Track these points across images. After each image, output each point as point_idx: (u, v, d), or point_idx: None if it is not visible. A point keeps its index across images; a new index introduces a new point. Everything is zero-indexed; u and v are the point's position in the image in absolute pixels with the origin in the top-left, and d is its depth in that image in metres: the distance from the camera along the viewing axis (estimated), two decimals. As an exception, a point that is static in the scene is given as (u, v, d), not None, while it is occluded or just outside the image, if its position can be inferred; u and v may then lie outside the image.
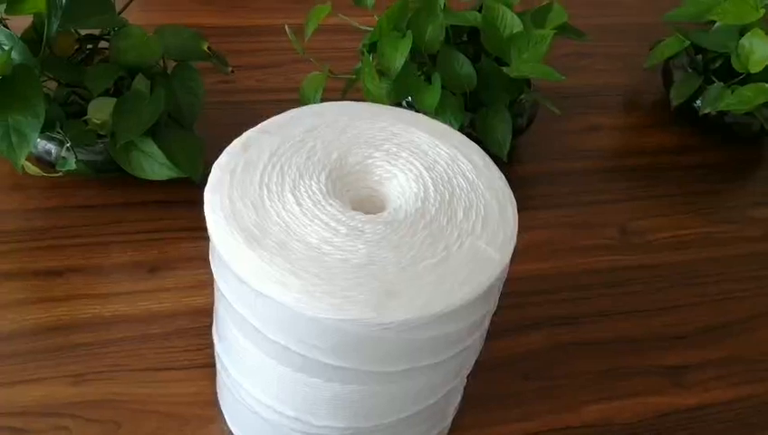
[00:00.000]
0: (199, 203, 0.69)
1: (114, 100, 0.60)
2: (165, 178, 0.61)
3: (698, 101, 0.79)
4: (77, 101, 0.63)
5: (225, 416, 0.51)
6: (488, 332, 0.53)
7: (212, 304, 0.58)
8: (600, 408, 0.56)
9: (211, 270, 0.58)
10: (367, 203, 0.43)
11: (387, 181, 0.43)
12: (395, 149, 0.44)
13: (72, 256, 0.60)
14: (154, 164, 0.60)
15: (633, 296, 0.65)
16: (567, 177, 0.76)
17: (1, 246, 0.60)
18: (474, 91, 0.69)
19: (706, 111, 0.76)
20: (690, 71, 0.81)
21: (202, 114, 0.73)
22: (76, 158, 0.58)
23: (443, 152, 0.44)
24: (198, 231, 0.64)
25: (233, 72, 0.71)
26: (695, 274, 0.68)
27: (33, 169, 0.59)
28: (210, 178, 0.41)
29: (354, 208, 0.42)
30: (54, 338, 0.55)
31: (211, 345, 0.55)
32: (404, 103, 0.71)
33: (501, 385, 0.56)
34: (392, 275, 0.37)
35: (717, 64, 0.79)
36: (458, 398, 0.50)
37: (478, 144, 0.68)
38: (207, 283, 0.60)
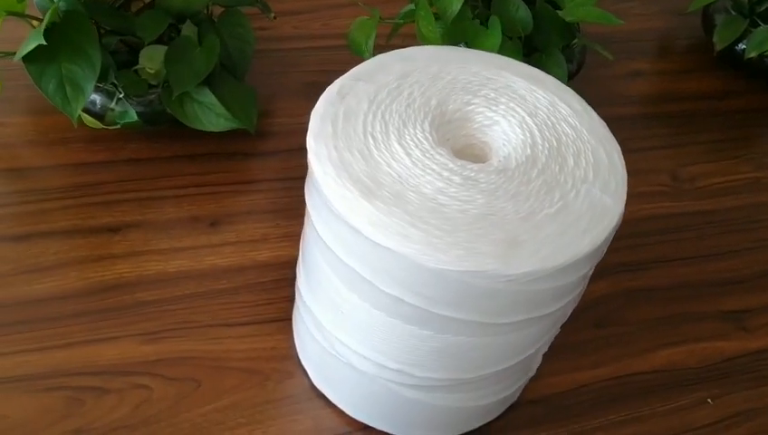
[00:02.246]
0: (250, 155, 0.68)
1: (164, 48, 0.58)
2: (223, 129, 0.59)
3: (741, 45, 0.78)
4: (123, 49, 0.60)
5: (308, 370, 0.50)
6: None
7: (277, 257, 0.57)
8: (668, 353, 0.57)
9: (275, 223, 0.57)
10: (468, 152, 0.42)
11: (488, 129, 0.42)
12: (493, 95, 0.42)
13: (127, 211, 0.58)
14: (211, 115, 0.58)
15: (690, 242, 0.65)
16: (616, 123, 0.73)
17: (52, 203, 0.58)
18: (528, 35, 0.67)
19: (752, 54, 0.76)
20: (734, 13, 0.80)
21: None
22: (132, 109, 0.56)
23: (542, 97, 0.43)
24: (254, 184, 0.63)
25: (275, 17, 0.68)
26: (748, 219, 0.68)
27: (91, 120, 0.56)
28: (311, 128, 0.40)
29: (458, 157, 0.41)
30: (121, 296, 0.53)
31: (283, 299, 0.54)
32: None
33: (574, 334, 0.56)
34: (513, 226, 0.36)
35: (763, 7, 0.78)
36: (547, 347, 0.49)
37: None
38: (270, 236, 0.59)
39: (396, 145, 0.39)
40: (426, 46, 0.46)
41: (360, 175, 0.37)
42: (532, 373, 0.50)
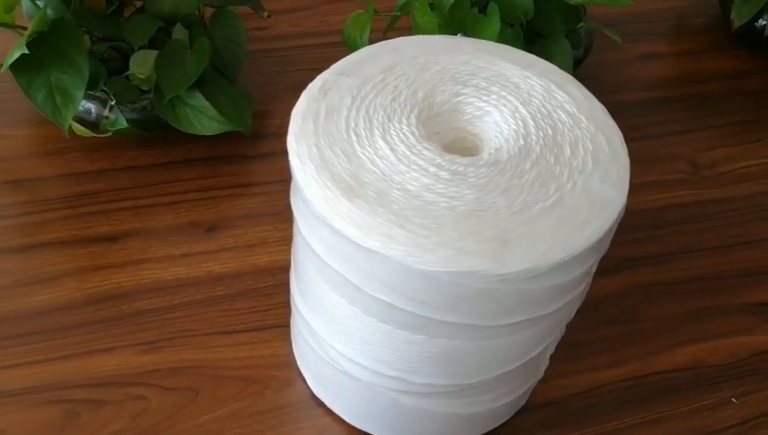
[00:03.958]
0: (248, 157, 0.66)
1: (155, 52, 0.56)
2: (215, 132, 0.57)
3: (761, 21, 0.75)
4: (114, 56, 0.59)
5: (307, 377, 0.48)
6: None
7: (276, 262, 0.56)
8: (691, 350, 0.54)
9: (273, 226, 0.55)
10: (459, 145, 0.40)
11: (479, 120, 0.39)
12: (484, 84, 0.40)
13: (124, 219, 0.57)
14: (203, 118, 0.56)
15: (712, 232, 0.62)
16: (628, 109, 0.72)
17: (51, 214, 0.57)
18: (530, 21, 0.65)
19: (772, 31, 0.72)
20: (752, -11, 0.76)
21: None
22: (122, 116, 0.54)
23: (536, 84, 0.41)
24: (252, 187, 0.61)
25: (269, 16, 0.66)
26: (773, 205, 0.64)
27: (81, 129, 0.55)
28: (291, 127, 0.38)
29: (447, 152, 0.39)
30: (119, 305, 0.52)
31: (281, 305, 0.53)
32: (457, 39, 0.67)
33: (587, 332, 0.54)
34: (506, 222, 0.34)
35: (783, -19, 0.74)
36: (552, 350, 0.47)
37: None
38: (268, 240, 0.57)
39: (380, 141, 0.37)
40: (414, 36, 0.44)
41: (342, 174, 0.35)
42: (539, 375, 0.47)
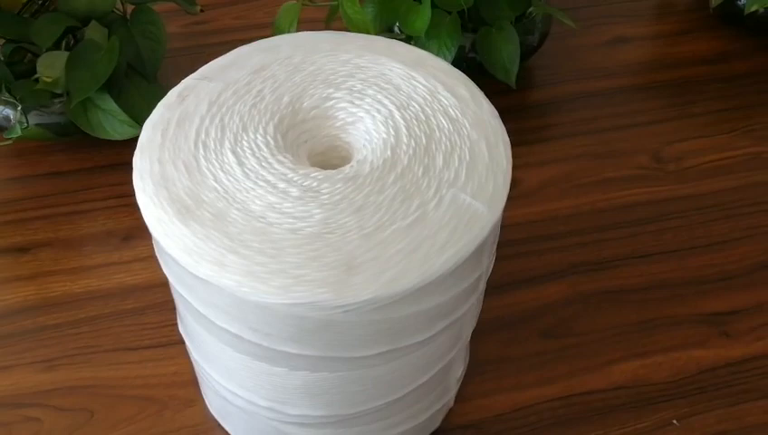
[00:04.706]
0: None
1: (65, 54, 0.54)
2: (128, 136, 0.55)
3: None
4: (31, 58, 0.56)
5: (206, 399, 0.46)
6: (498, 285, 0.46)
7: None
8: (633, 366, 0.49)
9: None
10: (331, 154, 0.36)
11: (351, 127, 0.36)
12: (359, 87, 0.36)
13: (39, 229, 0.55)
14: (114, 122, 0.54)
15: (670, 234, 0.57)
16: (589, 99, 0.67)
17: (-37, 224, 0.55)
18: (473, 8, 0.60)
19: (753, 8, 0.66)
20: (731, -36, 0.70)
21: (173, 63, 0.66)
22: (26, 122, 0.52)
23: (420, 86, 0.37)
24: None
25: (202, 11, 0.63)
26: (742, 202, 0.59)
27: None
28: (140, 139, 0.35)
29: (315, 163, 0.35)
30: (22, 321, 0.50)
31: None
32: (396, 29, 0.63)
33: (515, 345, 0.50)
34: (354, 245, 0.31)
35: (763, -46, 0.68)
36: (461, 367, 0.43)
37: (480, 70, 0.61)
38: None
39: (229, 154, 0.33)
40: (299, 33, 0.40)
41: (181, 192, 0.32)
42: (449, 397, 0.44)
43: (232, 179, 0.32)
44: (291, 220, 0.31)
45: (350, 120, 0.36)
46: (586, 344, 0.50)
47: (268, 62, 0.38)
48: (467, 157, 0.34)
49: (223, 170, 0.33)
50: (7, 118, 0.56)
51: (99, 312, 0.51)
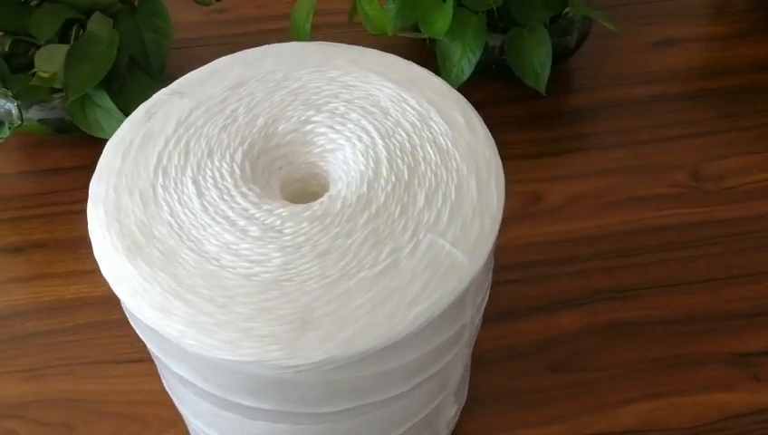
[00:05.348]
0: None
1: (65, 47, 0.51)
2: (126, 136, 0.52)
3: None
4: (34, 51, 0.54)
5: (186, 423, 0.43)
6: (508, 310, 0.42)
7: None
8: (647, 408, 0.45)
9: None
10: (310, 182, 0.33)
11: (330, 155, 0.32)
12: (343, 109, 0.33)
13: (36, 228, 0.54)
14: (112, 121, 0.52)
15: (703, 261, 0.52)
16: (628, 107, 0.62)
17: (-43, 220, 0.54)
18: (503, 7, 0.56)
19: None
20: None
21: (189, 54, 0.63)
22: (21, 120, 0.50)
23: (410, 110, 0.33)
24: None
25: (219, 0, 0.60)
26: (788, 229, 0.54)
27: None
28: (100, 161, 0.32)
29: (291, 190, 0.32)
30: (10, 326, 0.49)
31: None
32: (421, 30, 0.59)
33: (521, 379, 0.46)
34: (312, 296, 0.27)
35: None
36: (453, 408, 0.40)
37: (511, 73, 0.56)
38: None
39: (189, 183, 0.30)
40: (288, 44, 0.37)
41: (133, 226, 0.29)
42: (440, 440, 0.41)
43: (189, 213, 0.29)
44: (246, 264, 0.28)
45: (329, 147, 0.32)
46: (599, 381, 0.46)
47: (248, 76, 0.34)
48: (453, 195, 0.30)
49: (180, 202, 0.30)
50: (9, 112, 0.55)
51: (87, 320, 0.49)
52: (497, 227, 0.30)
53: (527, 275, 0.51)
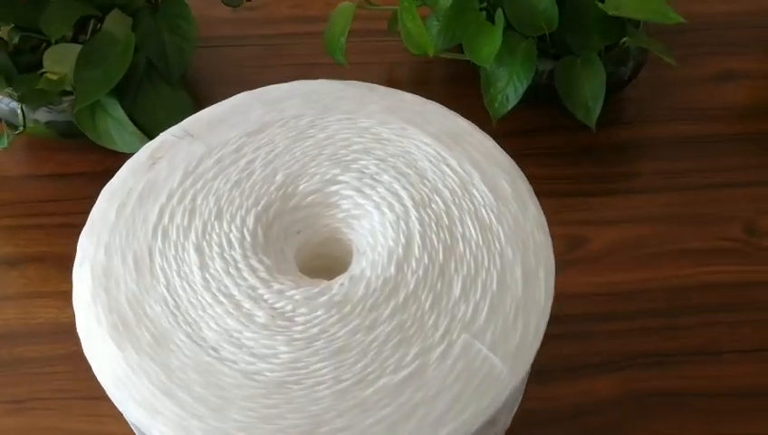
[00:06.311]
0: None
1: (77, 47, 0.47)
2: (137, 150, 0.48)
3: None
4: (45, 48, 0.51)
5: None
6: (540, 371, 0.38)
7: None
8: (689, 495, 0.41)
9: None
10: (331, 248, 0.29)
11: (356, 221, 0.28)
12: (373, 169, 0.29)
13: (34, 239, 0.50)
14: (124, 133, 0.48)
15: (751, 328, 0.47)
16: (679, 147, 0.57)
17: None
18: (557, 32, 0.51)
19: None
20: None
21: (214, 54, 0.59)
22: (24, 124, 0.46)
23: (450, 173, 0.29)
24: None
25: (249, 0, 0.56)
26: None
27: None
28: (93, 209, 0.28)
29: (310, 255, 0.28)
30: (-2, 350, 0.46)
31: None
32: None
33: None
34: (322, 406, 0.23)
35: None
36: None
37: (559, 100, 0.52)
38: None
39: (191, 250, 0.26)
40: (319, 82, 0.32)
41: (122, 298, 0.25)
42: None
43: (188, 288, 0.25)
44: (249, 359, 0.24)
45: (355, 212, 0.28)
46: (633, 460, 0.42)
47: (269, 120, 0.30)
48: (494, 285, 0.26)
49: (179, 274, 0.26)
50: (14, 112, 0.51)
51: (80, 348, 0.45)
52: (543, 330, 0.25)
53: (563, 331, 0.46)
